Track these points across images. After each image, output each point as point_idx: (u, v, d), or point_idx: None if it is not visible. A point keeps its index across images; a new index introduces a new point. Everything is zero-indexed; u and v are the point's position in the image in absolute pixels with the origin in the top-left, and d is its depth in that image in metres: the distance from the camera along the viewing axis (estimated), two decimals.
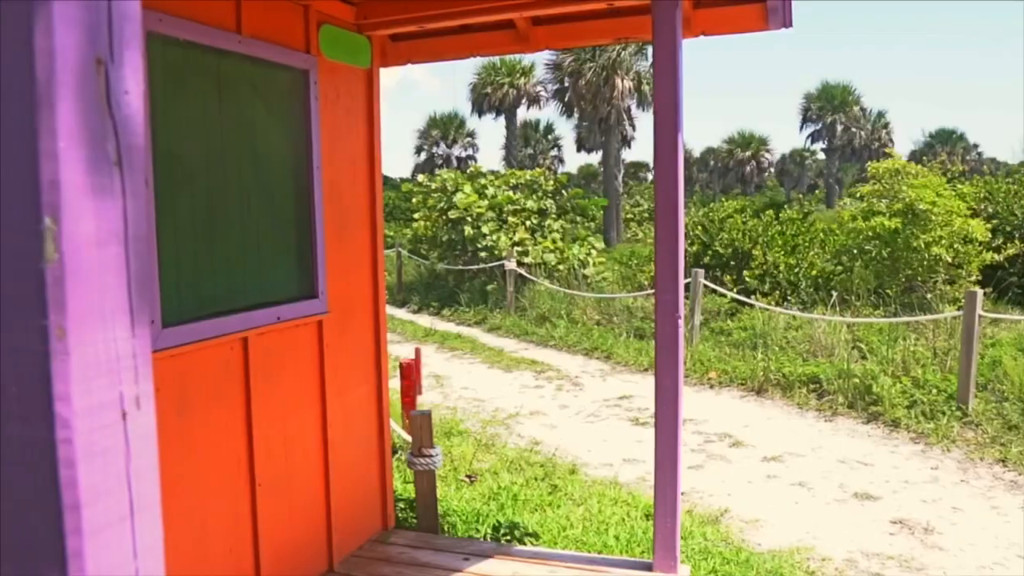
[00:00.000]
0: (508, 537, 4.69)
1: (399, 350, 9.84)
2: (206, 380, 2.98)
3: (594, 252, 15.44)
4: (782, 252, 12.63)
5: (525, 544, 4.56)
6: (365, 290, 3.96)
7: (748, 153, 48.69)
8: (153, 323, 2.66)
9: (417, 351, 5.91)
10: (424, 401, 6.85)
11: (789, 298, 11.61)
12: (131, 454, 0.73)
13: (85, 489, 0.69)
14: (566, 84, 28.68)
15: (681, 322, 3.47)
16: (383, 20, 3.94)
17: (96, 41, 0.69)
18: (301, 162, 3.47)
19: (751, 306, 10.64)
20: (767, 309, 10.25)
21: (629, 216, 32.28)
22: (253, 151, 3.23)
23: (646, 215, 31.64)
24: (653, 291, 11.81)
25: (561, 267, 14.48)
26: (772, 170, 54.62)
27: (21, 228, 0.66)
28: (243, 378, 3.17)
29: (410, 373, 5.66)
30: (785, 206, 21.63)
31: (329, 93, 3.66)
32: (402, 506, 5.01)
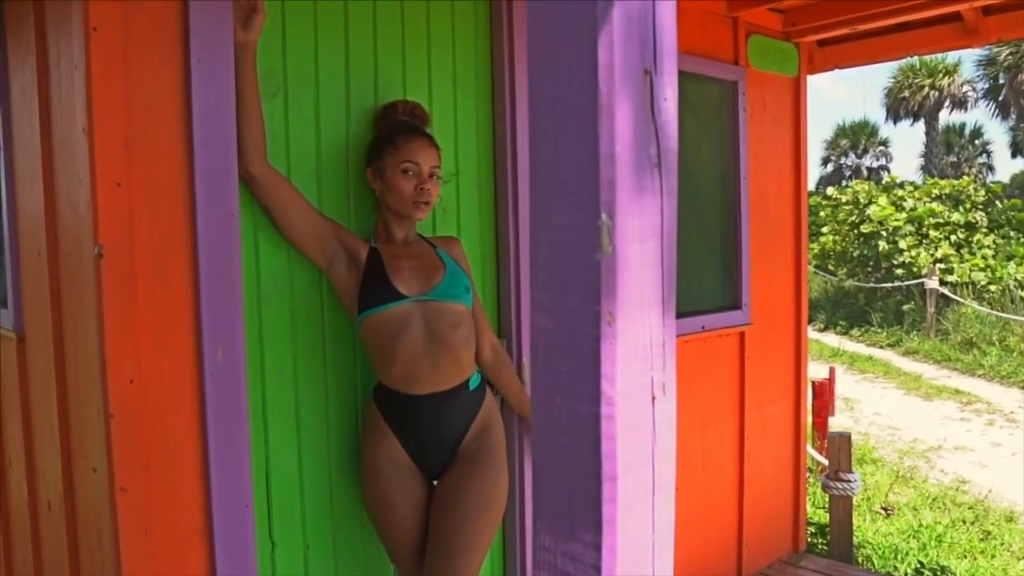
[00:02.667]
0: None
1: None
2: None
3: None
4: None
5: None
6: (787, 303, 3.87)
7: None
8: None
9: (831, 370, 5.64)
10: (834, 424, 6.50)
11: None
12: (656, 436, 0.79)
13: (621, 463, 0.75)
14: (1000, 81, 25.55)
15: None
16: (812, 25, 3.82)
17: (644, 53, 0.75)
18: (728, 173, 3.49)
19: None
20: None
21: None
22: (683, 162, 3.32)
23: None
24: None
25: (993, 287, 12.88)
26: None
27: (583, 223, 0.74)
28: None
29: (823, 392, 5.42)
30: None
31: (756, 103, 3.64)
32: (812, 530, 4.80)
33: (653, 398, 0.78)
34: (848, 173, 37.33)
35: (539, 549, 0.82)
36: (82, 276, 1.95)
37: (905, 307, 13.43)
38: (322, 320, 2.31)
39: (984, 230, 14.52)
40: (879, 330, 13.35)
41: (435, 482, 2.35)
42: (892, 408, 8.78)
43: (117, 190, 1.83)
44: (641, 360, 0.76)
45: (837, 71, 4.32)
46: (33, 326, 2.44)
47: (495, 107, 2.68)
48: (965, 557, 4.74)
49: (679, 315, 3.23)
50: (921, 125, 32.15)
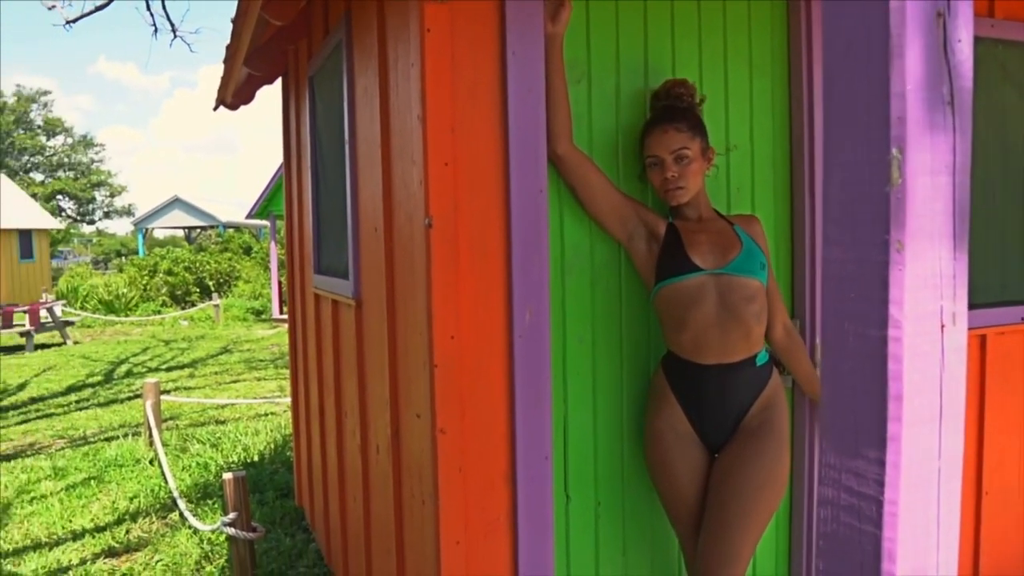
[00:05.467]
0: None
1: None
2: None
3: None
4: None
5: None
6: None
7: None
8: None
9: None
10: None
11: None
12: (944, 363, 0.82)
13: (907, 384, 0.80)
14: None
15: None
16: None
17: None
18: None
19: None
20: None
21: None
22: (1001, 139, 3.08)
23: None
24: None
25: None
26: None
27: (873, 158, 0.79)
28: (978, 377, 3.05)
29: None
30: None
31: None
32: None
33: (942, 326, 0.81)
34: None
35: (825, 467, 0.88)
36: (413, 246, 2.24)
37: None
38: (620, 291, 2.46)
39: None
40: None
41: (716, 455, 2.40)
42: None
43: (445, 169, 2.09)
44: (930, 288, 0.80)
45: None
46: (369, 292, 2.82)
47: (791, 87, 2.68)
48: None
49: (994, 303, 3.03)
50: None
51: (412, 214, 2.23)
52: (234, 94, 4.98)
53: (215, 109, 5.42)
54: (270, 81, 4.91)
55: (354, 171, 2.93)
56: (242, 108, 5.29)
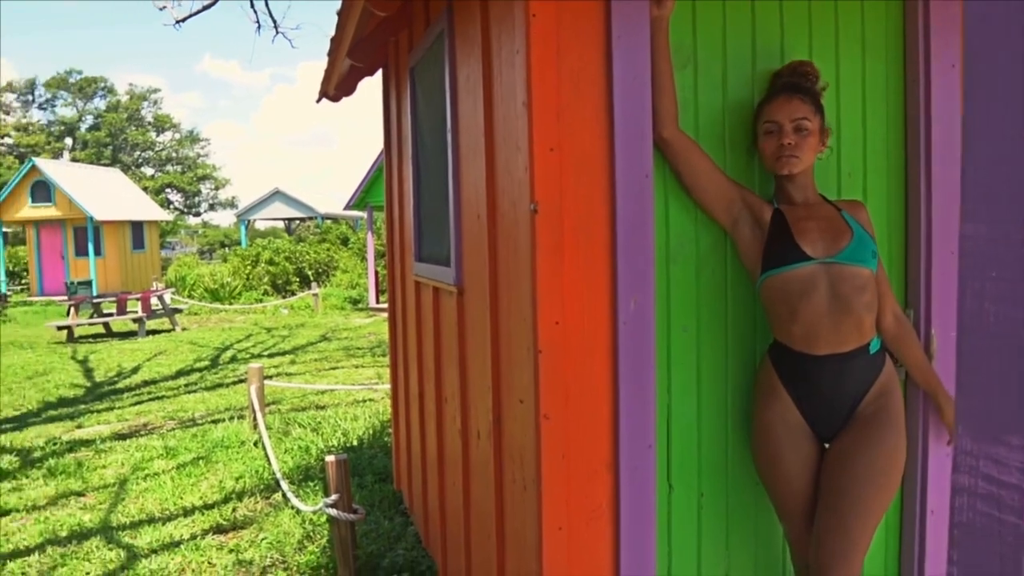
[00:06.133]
0: None
1: None
2: None
3: None
4: None
5: None
6: None
7: None
8: None
9: None
10: None
11: None
12: None
13: None
14: None
15: None
16: None
17: None
18: None
19: None
20: None
21: None
22: None
23: None
24: None
25: None
26: None
27: (1018, 132, 0.76)
28: None
29: None
30: None
31: None
32: None
33: None
34: None
35: (960, 453, 0.85)
36: (517, 232, 2.25)
37: None
38: (725, 280, 2.42)
39: None
40: None
41: (826, 445, 2.35)
42: None
43: (550, 155, 2.09)
44: None
45: None
46: (471, 280, 2.85)
47: (907, 70, 2.58)
48: None
49: None
50: None
51: (516, 200, 2.24)
52: (336, 86, 5.09)
53: (318, 101, 5.55)
54: (371, 73, 5.00)
55: (456, 159, 2.96)
56: (338, 104, 5.42)
